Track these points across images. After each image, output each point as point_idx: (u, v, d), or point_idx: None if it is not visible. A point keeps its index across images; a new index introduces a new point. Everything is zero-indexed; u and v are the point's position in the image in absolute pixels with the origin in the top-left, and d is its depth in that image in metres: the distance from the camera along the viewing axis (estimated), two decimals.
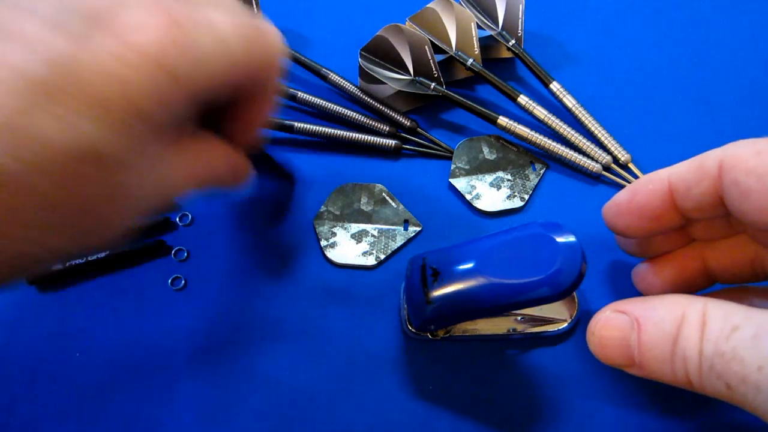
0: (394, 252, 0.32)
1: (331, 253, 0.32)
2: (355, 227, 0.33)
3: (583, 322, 0.30)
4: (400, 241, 0.32)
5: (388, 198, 0.33)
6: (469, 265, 0.22)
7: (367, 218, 0.33)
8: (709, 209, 0.21)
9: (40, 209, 0.16)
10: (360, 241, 0.32)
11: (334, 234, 0.32)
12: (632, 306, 0.20)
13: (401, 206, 0.33)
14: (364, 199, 0.33)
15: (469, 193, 0.33)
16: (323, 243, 0.32)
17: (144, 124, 0.17)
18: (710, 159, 0.20)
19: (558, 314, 0.29)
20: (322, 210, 0.33)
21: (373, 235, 0.32)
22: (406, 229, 0.33)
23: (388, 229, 0.33)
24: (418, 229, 0.33)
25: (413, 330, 0.28)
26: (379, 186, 0.34)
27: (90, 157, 0.16)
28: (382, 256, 0.32)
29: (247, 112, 0.23)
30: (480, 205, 0.33)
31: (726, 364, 0.16)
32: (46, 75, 0.15)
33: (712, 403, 0.28)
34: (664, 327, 0.18)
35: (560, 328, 0.29)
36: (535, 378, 0.29)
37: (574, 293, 0.29)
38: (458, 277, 0.23)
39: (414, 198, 0.34)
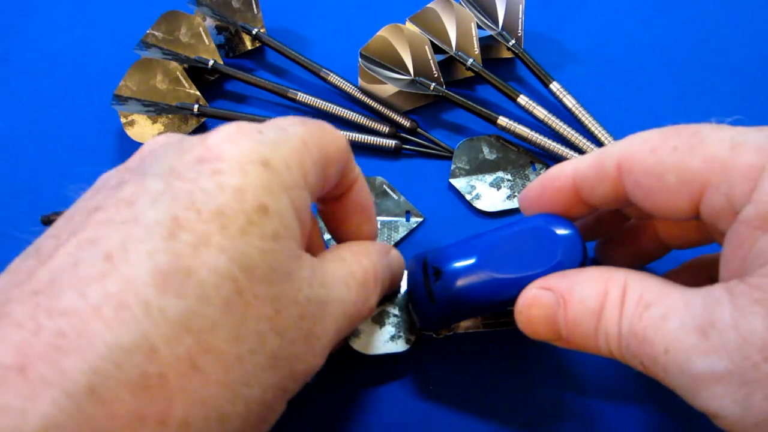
0: (397, 243, 0.32)
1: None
2: None
3: None
4: (402, 232, 0.32)
5: (389, 190, 0.33)
6: (471, 261, 0.22)
7: None
8: (615, 203, 0.21)
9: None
10: None
11: None
12: (558, 282, 0.20)
13: (402, 198, 0.33)
14: None
15: (469, 193, 0.33)
16: (326, 237, 0.32)
17: (270, 217, 0.17)
18: (609, 159, 0.20)
19: None
20: None
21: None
22: (408, 220, 0.33)
23: (390, 221, 0.33)
24: (420, 219, 0.33)
25: (419, 328, 0.28)
26: (379, 179, 0.34)
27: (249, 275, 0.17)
28: None
29: (352, 204, 0.24)
30: (480, 205, 0.33)
31: (639, 344, 0.17)
32: (161, 212, 0.16)
33: None
34: (588, 303, 0.19)
35: None
36: (538, 376, 0.29)
37: None
38: (460, 274, 0.23)
39: (414, 198, 0.34)
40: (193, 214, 0.16)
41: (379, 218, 0.33)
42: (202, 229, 0.16)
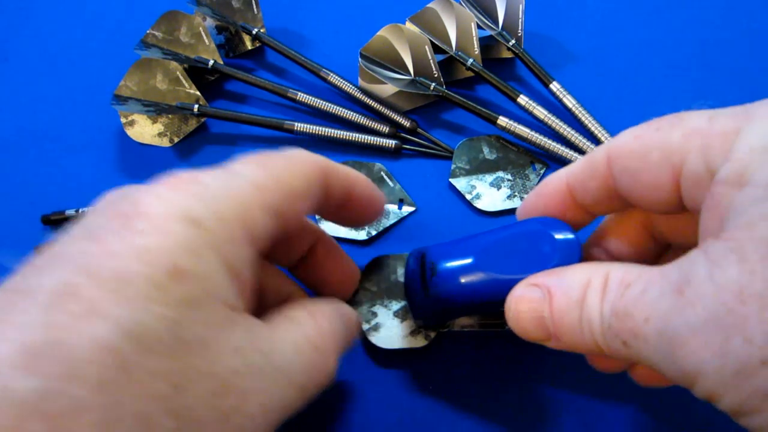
0: (387, 229, 0.33)
1: (324, 225, 0.32)
2: None
3: None
4: (393, 219, 0.33)
5: (386, 177, 0.34)
6: (468, 260, 0.23)
7: None
8: (608, 203, 0.21)
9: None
10: None
11: None
12: (544, 278, 0.20)
13: (398, 185, 0.34)
14: None
15: (469, 192, 0.33)
16: (317, 217, 0.32)
17: (184, 280, 0.16)
18: (598, 154, 0.20)
19: None
20: None
21: None
22: (400, 208, 0.33)
23: None
24: (412, 209, 0.33)
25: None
26: (378, 165, 0.34)
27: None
28: (374, 232, 0.32)
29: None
30: (480, 204, 0.33)
31: (620, 321, 0.17)
32: (53, 280, 0.15)
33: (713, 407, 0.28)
34: (571, 294, 0.18)
35: None
36: (539, 376, 0.29)
37: None
38: (457, 272, 0.23)
39: (414, 197, 0.34)
40: (86, 279, 0.15)
41: None
42: (93, 296, 0.14)
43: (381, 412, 0.28)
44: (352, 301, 0.29)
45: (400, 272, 0.30)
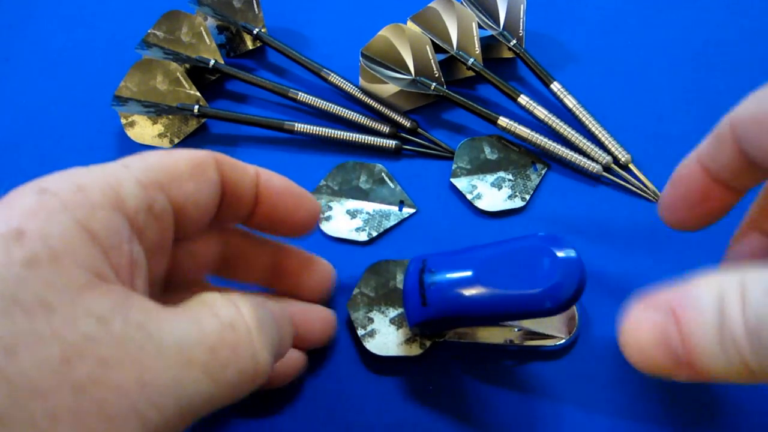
0: (387, 230, 0.33)
1: (325, 227, 0.32)
2: (351, 203, 0.33)
3: (582, 338, 0.29)
4: (393, 220, 0.33)
5: (386, 178, 0.34)
6: (468, 273, 0.22)
7: (364, 196, 0.34)
8: (748, 173, 0.20)
9: None
10: (354, 217, 0.33)
11: (329, 208, 0.33)
12: (663, 297, 0.16)
13: (398, 187, 0.34)
14: (363, 177, 0.34)
15: (470, 192, 0.33)
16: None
17: (24, 241, 0.15)
18: (723, 125, 0.19)
19: (557, 329, 0.29)
20: (321, 184, 0.34)
21: (368, 213, 0.33)
22: (400, 210, 0.33)
23: (383, 210, 0.33)
24: (413, 210, 0.33)
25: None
26: (379, 166, 0.34)
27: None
28: (375, 234, 0.32)
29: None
30: (481, 204, 0.33)
31: None
32: None
33: (710, 413, 0.28)
34: (704, 312, 0.15)
35: (558, 343, 0.28)
36: (531, 390, 0.28)
37: (574, 307, 0.29)
38: (456, 283, 0.23)
39: (414, 198, 0.34)
40: None
41: (372, 206, 0.33)
42: None
43: (372, 418, 0.28)
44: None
45: (399, 279, 0.30)
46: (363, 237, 0.32)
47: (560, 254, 0.21)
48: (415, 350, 0.28)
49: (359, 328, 0.29)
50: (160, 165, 0.19)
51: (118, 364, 0.15)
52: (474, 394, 0.29)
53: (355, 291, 0.30)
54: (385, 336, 0.29)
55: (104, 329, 0.15)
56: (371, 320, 0.29)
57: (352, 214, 0.33)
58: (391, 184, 0.34)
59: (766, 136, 0.17)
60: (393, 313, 0.29)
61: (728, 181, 0.20)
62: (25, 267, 0.14)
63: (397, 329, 0.29)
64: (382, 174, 0.34)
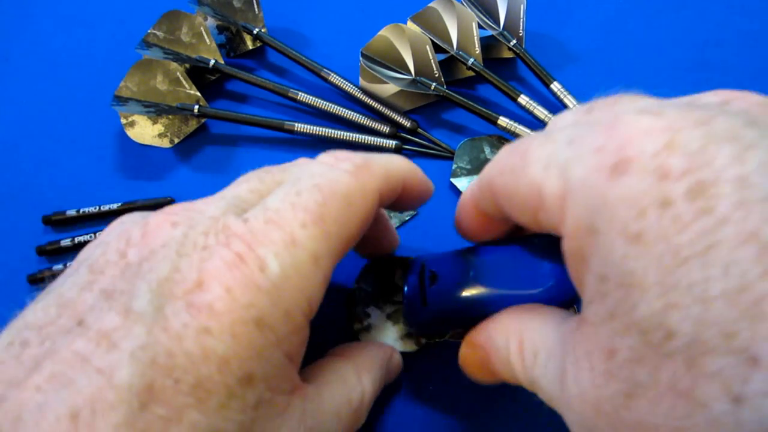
0: None
1: None
2: None
3: None
4: (395, 223, 0.33)
5: None
6: (468, 273, 0.22)
7: None
8: (505, 216, 0.21)
9: None
10: None
11: None
12: (479, 338, 0.22)
13: None
14: None
15: None
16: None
17: (254, 386, 0.17)
18: (486, 178, 0.20)
19: None
20: None
21: None
22: (401, 212, 0.33)
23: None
24: (413, 213, 0.33)
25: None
26: None
27: None
28: None
29: None
30: None
31: (537, 390, 0.19)
32: (137, 377, 0.15)
33: None
34: (500, 354, 0.20)
35: None
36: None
37: (574, 307, 0.29)
38: (456, 283, 0.23)
39: None
40: (170, 382, 0.15)
41: None
42: (177, 402, 0.15)
43: (380, 412, 0.28)
44: (349, 300, 0.29)
45: (398, 275, 0.30)
46: None
47: (556, 259, 0.21)
48: (411, 346, 0.28)
49: (356, 323, 0.29)
50: (337, 246, 0.19)
51: None
52: (474, 394, 0.29)
53: (354, 286, 0.30)
54: (381, 331, 0.29)
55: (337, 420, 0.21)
56: (368, 315, 0.29)
57: None
58: None
59: (515, 206, 0.19)
60: (390, 309, 0.29)
61: (497, 218, 0.22)
62: (253, 410, 0.17)
63: (394, 325, 0.29)
64: None
